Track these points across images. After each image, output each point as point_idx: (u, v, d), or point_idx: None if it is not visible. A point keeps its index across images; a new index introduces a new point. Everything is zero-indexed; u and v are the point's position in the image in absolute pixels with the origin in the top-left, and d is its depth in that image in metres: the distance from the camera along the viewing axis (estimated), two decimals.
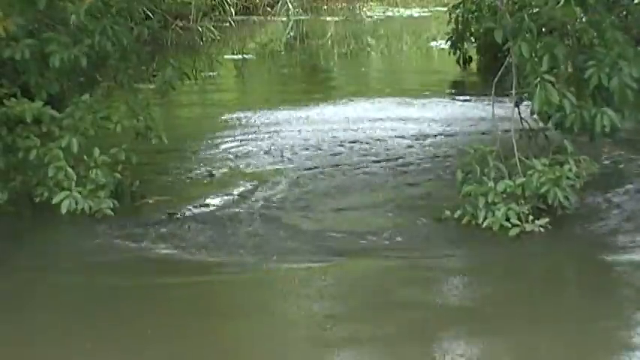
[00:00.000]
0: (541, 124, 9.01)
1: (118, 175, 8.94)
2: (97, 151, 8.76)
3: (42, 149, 8.60)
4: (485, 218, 8.22)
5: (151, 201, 9.27)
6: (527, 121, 9.30)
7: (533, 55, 8.44)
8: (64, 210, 8.49)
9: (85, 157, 8.75)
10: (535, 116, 8.82)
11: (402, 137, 11.75)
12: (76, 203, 8.50)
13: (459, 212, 8.42)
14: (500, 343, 6.57)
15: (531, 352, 6.40)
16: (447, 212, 8.56)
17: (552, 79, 8.35)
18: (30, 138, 8.66)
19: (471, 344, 6.52)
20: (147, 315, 6.95)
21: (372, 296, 7.32)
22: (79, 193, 8.55)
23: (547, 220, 8.20)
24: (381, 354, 6.42)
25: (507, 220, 8.17)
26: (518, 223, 8.15)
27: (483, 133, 11.29)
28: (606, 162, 9.87)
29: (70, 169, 8.54)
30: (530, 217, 8.17)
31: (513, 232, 8.13)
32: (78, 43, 8.87)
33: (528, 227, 8.15)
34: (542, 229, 8.15)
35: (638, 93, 8.43)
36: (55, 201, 8.52)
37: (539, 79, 8.33)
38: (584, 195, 8.43)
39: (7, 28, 8.49)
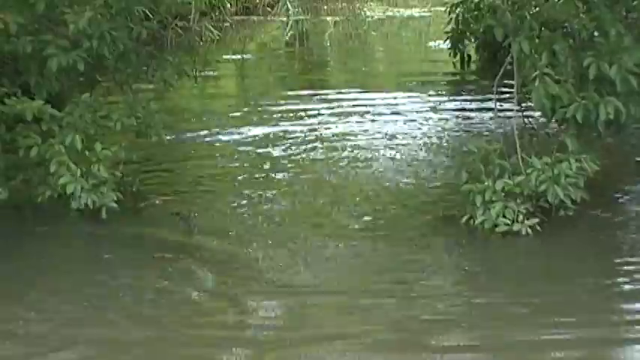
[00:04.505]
0: (543, 123, 9.00)
1: (119, 174, 8.90)
2: (99, 146, 8.70)
3: (43, 146, 8.55)
4: (482, 216, 8.22)
5: (157, 202, 9.24)
6: (529, 120, 9.29)
7: (533, 51, 8.41)
8: (69, 190, 8.33)
9: (87, 152, 8.68)
10: (538, 114, 8.80)
11: (405, 135, 11.74)
12: (81, 190, 8.42)
13: (461, 211, 8.44)
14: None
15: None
16: (450, 211, 8.56)
17: (552, 72, 8.31)
18: (30, 136, 8.63)
19: None
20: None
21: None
22: (82, 187, 8.47)
23: (537, 220, 8.18)
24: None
25: (504, 218, 8.15)
26: (509, 222, 8.14)
27: (486, 132, 11.29)
28: (610, 160, 9.79)
29: (72, 164, 8.48)
30: (520, 217, 8.14)
31: (500, 229, 8.11)
32: (77, 47, 8.84)
33: (516, 227, 8.13)
34: (529, 230, 8.13)
35: None
36: (61, 182, 8.38)
37: (538, 72, 8.30)
38: (586, 195, 8.38)
39: (5, 21, 8.47)
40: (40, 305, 7.18)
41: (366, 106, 13.48)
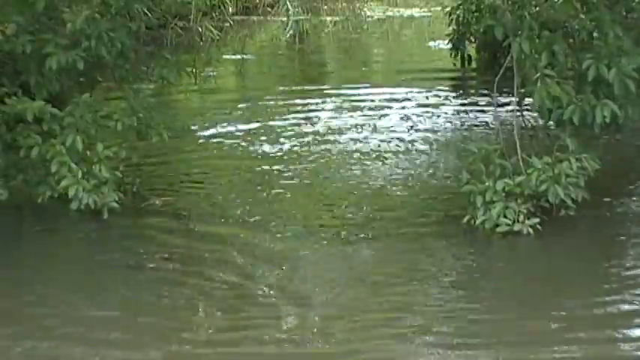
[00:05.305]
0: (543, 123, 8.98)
1: (119, 175, 8.89)
2: (100, 146, 8.68)
3: (44, 146, 8.54)
4: (483, 217, 8.21)
5: (157, 202, 9.23)
6: (529, 120, 9.28)
7: (533, 51, 8.40)
8: (71, 193, 8.33)
9: (88, 152, 8.67)
10: (537, 115, 8.79)
11: (404, 135, 11.72)
12: (83, 191, 8.40)
13: (462, 211, 8.43)
14: None
15: None
16: (450, 211, 8.55)
17: (552, 73, 8.30)
18: (31, 136, 8.62)
19: None
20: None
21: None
22: (83, 188, 8.46)
23: (537, 220, 8.18)
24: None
25: (505, 218, 8.14)
26: (509, 222, 8.13)
27: (486, 132, 11.28)
28: (610, 160, 9.76)
29: (73, 165, 8.47)
30: (521, 217, 8.14)
31: (501, 229, 8.11)
32: (76, 46, 8.83)
33: (516, 227, 8.13)
34: (530, 229, 8.12)
35: (638, 83, 8.32)
36: (62, 185, 8.38)
37: (539, 73, 8.29)
38: (587, 194, 8.37)
39: (5, 32, 8.49)
40: (40, 306, 7.17)
41: (365, 104, 13.48)
